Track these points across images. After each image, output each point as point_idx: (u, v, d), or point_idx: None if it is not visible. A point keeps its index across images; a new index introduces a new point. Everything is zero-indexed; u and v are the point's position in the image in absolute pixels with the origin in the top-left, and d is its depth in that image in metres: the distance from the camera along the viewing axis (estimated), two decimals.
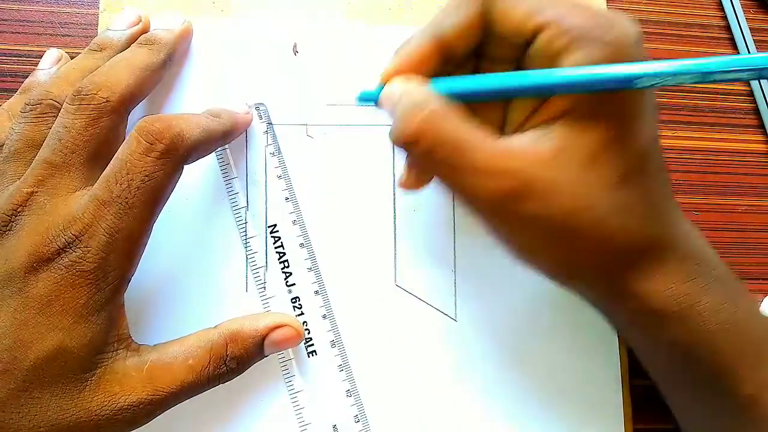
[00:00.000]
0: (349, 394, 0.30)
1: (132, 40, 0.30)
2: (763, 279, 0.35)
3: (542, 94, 0.24)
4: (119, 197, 0.23)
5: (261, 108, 0.32)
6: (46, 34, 0.33)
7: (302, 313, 0.31)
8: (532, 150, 0.23)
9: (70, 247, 0.23)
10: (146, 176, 0.24)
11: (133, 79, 0.27)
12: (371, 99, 0.26)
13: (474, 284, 0.32)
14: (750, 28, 0.37)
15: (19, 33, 0.33)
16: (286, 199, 0.32)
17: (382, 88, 0.25)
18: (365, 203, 0.32)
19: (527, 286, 0.32)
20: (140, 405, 0.24)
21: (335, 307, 0.31)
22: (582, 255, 0.23)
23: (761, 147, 0.36)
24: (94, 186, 0.24)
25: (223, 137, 0.28)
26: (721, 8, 0.37)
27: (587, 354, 0.32)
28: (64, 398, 0.23)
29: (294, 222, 0.31)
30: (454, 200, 0.33)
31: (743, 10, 0.37)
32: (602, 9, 0.23)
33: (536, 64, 0.24)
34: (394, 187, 0.33)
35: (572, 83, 0.22)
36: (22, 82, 0.32)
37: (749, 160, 0.36)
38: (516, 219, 0.23)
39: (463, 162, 0.23)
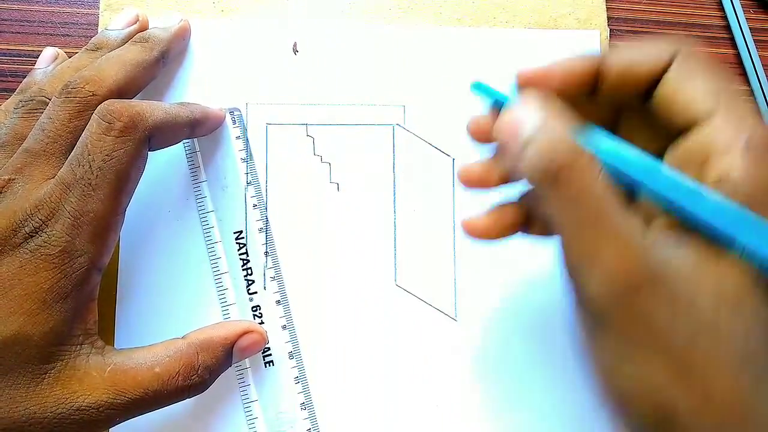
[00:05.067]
0: (303, 407, 0.30)
1: (129, 40, 0.30)
2: None
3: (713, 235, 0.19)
4: (82, 179, 0.23)
5: (236, 113, 0.32)
6: (46, 34, 0.33)
7: (262, 323, 0.30)
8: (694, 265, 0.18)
9: (37, 232, 0.23)
10: (107, 155, 0.24)
11: (123, 74, 0.27)
12: (494, 98, 0.23)
13: (474, 284, 0.32)
14: (750, 28, 0.37)
15: (19, 33, 0.33)
16: (254, 206, 0.31)
17: (515, 91, 0.22)
18: (365, 202, 0.32)
19: (528, 285, 0.32)
20: (99, 407, 0.23)
21: (297, 318, 0.31)
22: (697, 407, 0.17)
23: None
24: (60, 170, 0.24)
25: (189, 126, 0.28)
26: (721, 8, 0.37)
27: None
28: (18, 389, 0.22)
29: (260, 230, 0.31)
30: (454, 201, 0.33)
31: (743, 10, 0.37)
32: None
33: (681, 159, 0.20)
34: (394, 187, 0.33)
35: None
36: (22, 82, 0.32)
37: None
38: (622, 313, 0.18)
39: (608, 229, 0.18)
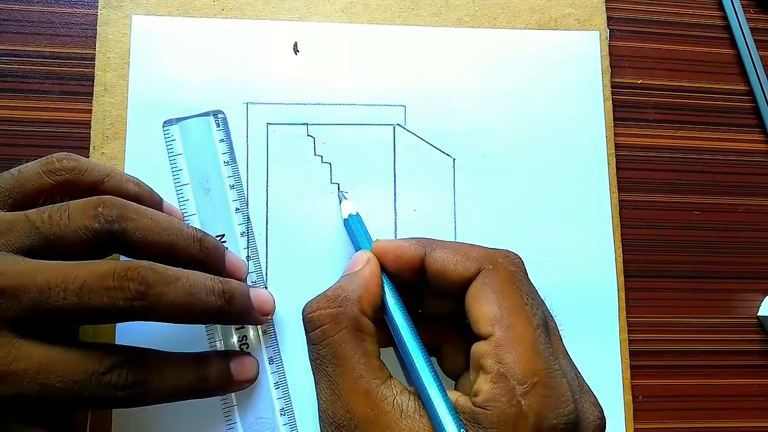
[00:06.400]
0: (283, 413, 0.30)
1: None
2: (763, 279, 0.35)
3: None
4: None
5: (219, 116, 0.32)
6: (46, 34, 0.33)
7: (242, 327, 0.30)
8: (391, 414, 0.22)
9: None
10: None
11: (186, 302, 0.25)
12: (355, 235, 0.29)
13: None
14: (750, 28, 0.37)
15: (19, 33, 0.32)
16: (237, 209, 0.31)
17: (367, 244, 0.28)
18: (365, 202, 0.32)
19: None
20: None
21: (280, 322, 0.31)
22: None
23: (761, 147, 0.36)
24: None
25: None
26: (721, 8, 0.37)
27: (587, 356, 0.32)
28: None
29: (242, 233, 0.31)
30: (454, 200, 0.33)
31: (743, 10, 0.37)
32: (560, 379, 0.22)
33: (471, 333, 0.24)
34: (394, 187, 0.33)
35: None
36: (22, 82, 0.32)
37: (749, 160, 0.36)
38: None
39: (331, 373, 0.23)
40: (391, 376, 0.24)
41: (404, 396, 0.23)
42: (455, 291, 0.25)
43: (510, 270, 0.24)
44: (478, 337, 0.23)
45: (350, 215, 0.30)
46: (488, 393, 0.22)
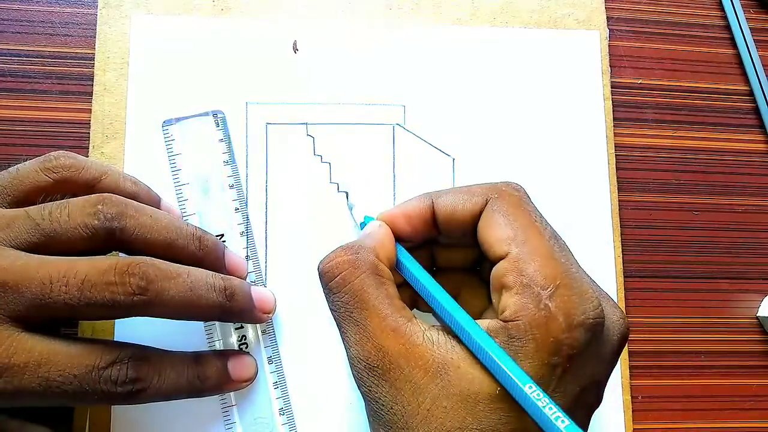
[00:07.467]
0: (282, 413, 0.30)
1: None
2: (763, 279, 0.35)
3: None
4: None
5: (219, 116, 0.32)
6: (46, 34, 0.33)
7: (241, 327, 0.30)
8: (422, 348, 0.22)
9: None
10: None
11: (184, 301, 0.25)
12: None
13: None
14: (750, 28, 0.37)
15: (19, 33, 0.32)
16: (236, 209, 0.31)
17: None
18: (365, 202, 0.32)
19: None
20: None
21: (277, 322, 0.31)
22: None
23: (761, 147, 0.36)
24: None
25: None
26: (721, 8, 0.37)
27: None
28: None
29: (242, 233, 0.31)
30: None
31: (743, 10, 0.37)
32: (581, 280, 0.23)
33: (487, 272, 0.25)
34: (394, 187, 0.33)
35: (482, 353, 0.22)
36: (22, 82, 0.32)
37: (749, 160, 0.36)
38: (360, 389, 0.23)
39: (357, 318, 0.23)
40: (415, 316, 0.24)
41: (432, 331, 0.23)
42: (467, 230, 0.25)
43: (515, 195, 0.25)
44: (496, 261, 0.24)
45: (366, 217, 0.30)
46: (515, 305, 0.22)
